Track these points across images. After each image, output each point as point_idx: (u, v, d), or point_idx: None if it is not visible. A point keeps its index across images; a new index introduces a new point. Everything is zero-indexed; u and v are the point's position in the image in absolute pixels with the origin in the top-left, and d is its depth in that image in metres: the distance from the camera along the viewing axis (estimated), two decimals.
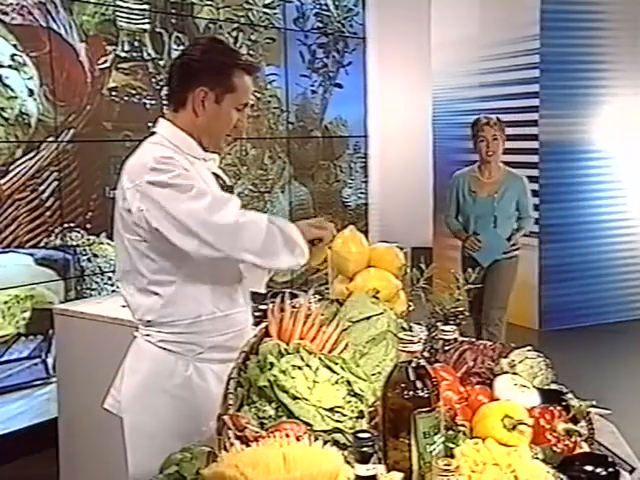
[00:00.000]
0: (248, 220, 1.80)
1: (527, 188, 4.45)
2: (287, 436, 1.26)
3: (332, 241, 1.89)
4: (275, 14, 4.93)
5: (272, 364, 1.46)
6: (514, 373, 1.58)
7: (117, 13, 3.99)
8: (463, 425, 1.40)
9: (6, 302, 3.59)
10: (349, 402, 1.44)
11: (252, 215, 1.83)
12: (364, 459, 1.13)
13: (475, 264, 3.76)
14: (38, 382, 3.73)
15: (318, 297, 1.83)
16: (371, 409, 1.44)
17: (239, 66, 1.91)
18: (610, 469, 1.32)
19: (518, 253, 4.51)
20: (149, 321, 1.91)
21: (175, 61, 1.99)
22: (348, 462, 1.21)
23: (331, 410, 1.41)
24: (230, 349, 1.88)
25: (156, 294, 1.88)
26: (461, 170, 4.56)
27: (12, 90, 3.57)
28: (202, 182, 1.88)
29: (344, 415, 1.41)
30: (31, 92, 3.64)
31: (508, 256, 4.40)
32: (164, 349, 1.91)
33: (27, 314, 3.67)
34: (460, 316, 1.84)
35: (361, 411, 1.44)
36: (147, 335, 1.93)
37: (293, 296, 1.84)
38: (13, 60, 3.56)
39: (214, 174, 2.00)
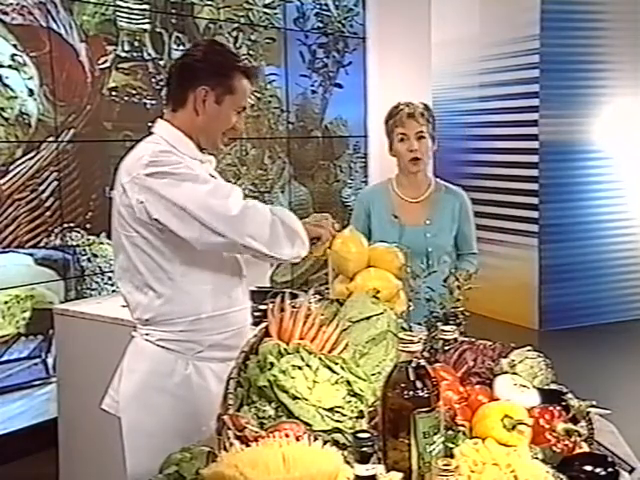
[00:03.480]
0: (253, 207, 1.81)
1: (470, 210, 2.92)
2: (287, 436, 1.26)
3: (331, 239, 1.90)
4: (275, 14, 4.93)
5: (272, 364, 1.46)
6: (514, 373, 1.58)
7: (117, 13, 3.99)
8: (463, 425, 1.40)
9: (6, 302, 3.59)
10: (349, 402, 1.44)
11: (256, 203, 1.84)
12: (364, 459, 1.13)
13: None
14: (38, 382, 3.73)
15: (318, 297, 1.83)
16: (371, 409, 1.44)
17: (239, 69, 1.93)
18: (610, 469, 1.32)
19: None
20: (147, 320, 1.91)
21: (176, 62, 2.00)
22: (348, 462, 1.21)
23: (331, 410, 1.41)
24: (229, 348, 1.88)
25: (155, 292, 1.88)
26: (372, 185, 3.15)
27: (12, 90, 3.57)
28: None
29: (344, 415, 1.41)
30: (31, 92, 3.64)
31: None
32: (163, 348, 1.91)
33: (27, 314, 3.67)
34: (460, 316, 1.84)
35: (361, 411, 1.43)
36: (146, 334, 1.93)
37: (293, 296, 1.83)
38: (13, 60, 3.56)
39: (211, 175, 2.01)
